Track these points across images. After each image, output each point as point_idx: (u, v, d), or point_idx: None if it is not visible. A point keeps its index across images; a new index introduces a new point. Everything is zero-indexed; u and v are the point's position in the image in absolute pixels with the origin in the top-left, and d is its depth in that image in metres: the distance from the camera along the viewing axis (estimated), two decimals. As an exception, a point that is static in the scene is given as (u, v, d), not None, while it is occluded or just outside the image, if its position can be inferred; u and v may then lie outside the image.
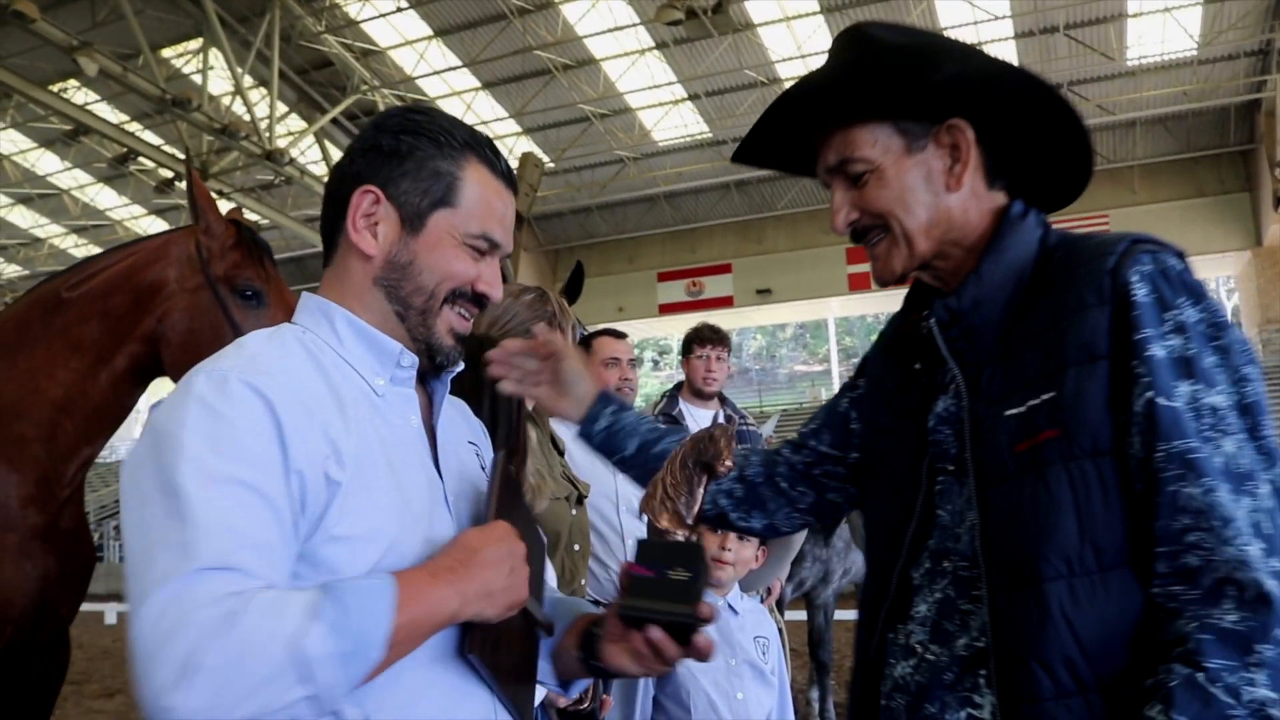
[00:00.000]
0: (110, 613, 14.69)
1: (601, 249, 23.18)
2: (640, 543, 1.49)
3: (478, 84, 17.90)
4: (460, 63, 17.23)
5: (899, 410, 1.60)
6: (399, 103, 17.74)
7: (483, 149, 1.51)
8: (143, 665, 1.10)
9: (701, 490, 1.53)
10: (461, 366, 1.58)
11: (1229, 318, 1.32)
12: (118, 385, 2.91)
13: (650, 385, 37.41)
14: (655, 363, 43.52)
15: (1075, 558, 1.28)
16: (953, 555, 1.43)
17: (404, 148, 1.46)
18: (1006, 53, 16.94)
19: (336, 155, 16.95)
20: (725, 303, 22.43)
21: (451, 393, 1.62)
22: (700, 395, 5.15)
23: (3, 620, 2.32)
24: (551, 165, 19.65)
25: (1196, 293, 1.31)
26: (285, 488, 1.25)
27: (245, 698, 1.11)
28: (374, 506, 1.33)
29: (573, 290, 4.30)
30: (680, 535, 1.49)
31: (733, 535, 2.73)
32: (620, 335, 4.17)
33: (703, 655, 1.45)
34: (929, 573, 1.45)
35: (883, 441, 1.63)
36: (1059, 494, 1.29)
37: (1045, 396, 1.32)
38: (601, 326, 4.46)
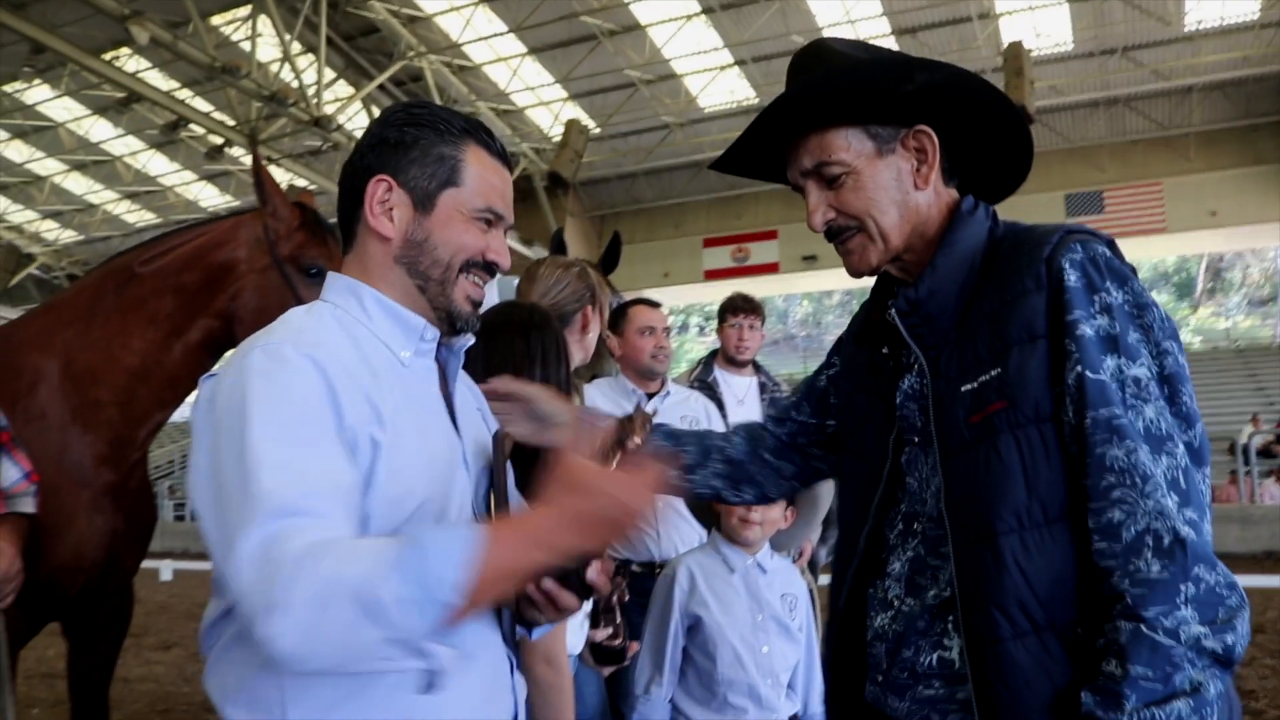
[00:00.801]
0: (166, 569, 15.04)
1: (647, 215, 23.15)
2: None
3: (524, 49, 17.88)
4: (506, 28, 17.22)
5: (868, 389, 1.77)
6: (446, 69, 17.78)
7: (479, 133, 1.66)
8: (248, 603, 1.23)
9: (614, 464, 1.74)
10: (472, 340, 1.72)
11: (1151, 299, 1.48)
12: (190, 356, 3.10)
13: (696, 350, 37.47)
14: (701, 329, 43.65)
15: (1024, 513, 1.43)
16: (921, 518, 1.61)
17: (409, 138, 1.60)
18: (1060, 18, 16.67)
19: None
20: (771, 269, 22.33)
21: (499, 360, 1.84)
22: (734, 363, 5.18)
23: (75, 569, 2.45)
24: (597, 131, 19.62)
25: (1121, 277, 1.48)
26: (343, 443, 1.39)
27: (334, 639, 1.21)
28: (406, 467, 1.47)
29: (610, 261, 4.34)
30: None
31: None
32: (655, 304, 4.18)
33: (593, 593, 1.60)
34: (901, 534, 1.65)
35: (854, 417, 1.80)
36: (1008, 458, 1.45)
37: (994, 373, 1.48)
38: (636, 295, 4.48)
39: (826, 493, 2.88)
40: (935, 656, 1.54)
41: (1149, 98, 18.88)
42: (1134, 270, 1.53)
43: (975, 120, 1.66)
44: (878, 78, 1.59)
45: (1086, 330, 1.43)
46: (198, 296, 3.12)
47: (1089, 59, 17.61)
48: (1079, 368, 1.41)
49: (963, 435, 1.50)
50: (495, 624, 1.63)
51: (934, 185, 1.65)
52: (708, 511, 3.01)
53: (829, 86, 1.59)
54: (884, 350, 1.73)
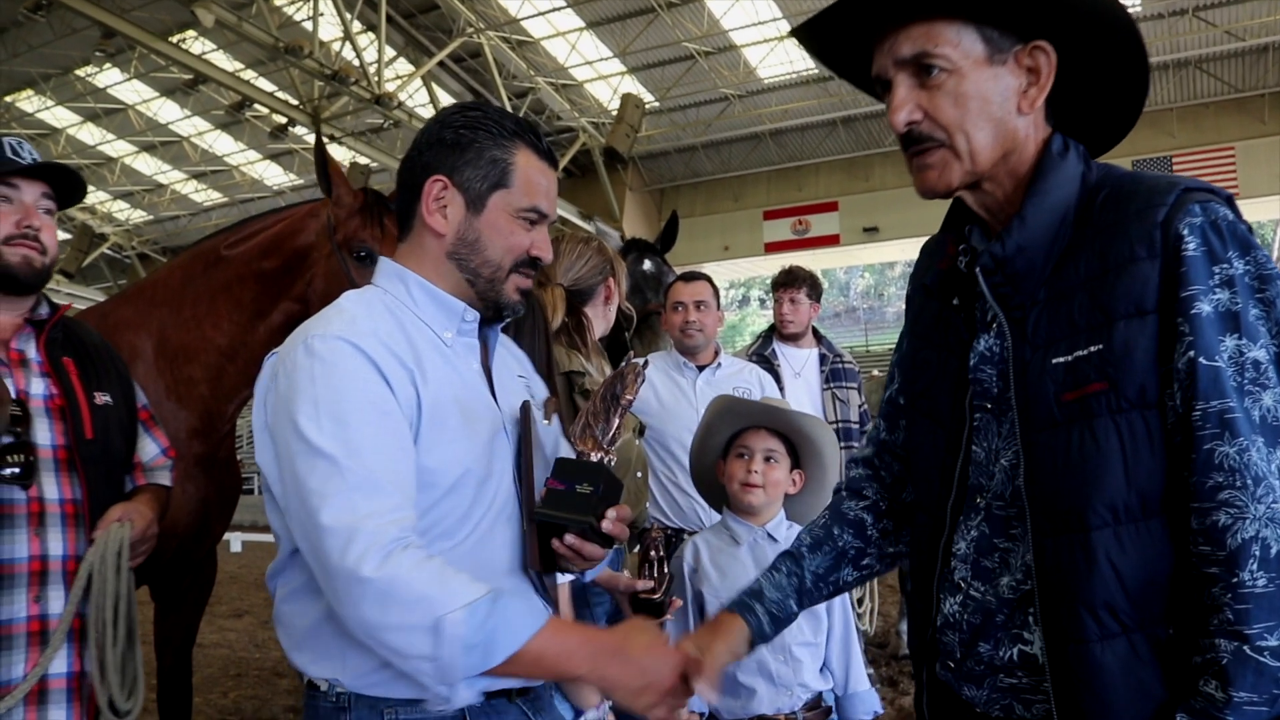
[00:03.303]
0: (235, 541, 15.42)
1: (707, 188, 23.08)
2: (557, 461, 1.72)
3: (582, 24, 17.86)
4: (564, 3, 17.21)
5: (937, 344, 1.63)
6: (505, 45, 17.83)
7: (528, 135, 1.78)
8: (331, 567, 1.47)
9: (616, 419, 1.76)
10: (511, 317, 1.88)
11: (1276, 269, 1.32)
12: (274, 337, 3.28)
13: (757, 324, 37.34)
14: (762, 301, 43.46)
15: (1121, 507, 1.31)
16: (986, 492, 1.49)
17: (464, 140, 1.72)
18: (1127, -22, 16.29)
19: (444, 98, 17.08)
20: (831, 241, 22.17)
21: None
22: (786, 337, 5.20)
23: (170, 536, 2.57)
24: (656, 104, 19.57)
25: (1245, 244, 1.32)
26: (399, 407, 1.59)
27: (393, 624, 1.45)
28: (447, 439, 1.64)
29: (667, 240, 4.38)
30: (595, 456, 1.72)
31: (759, 457, 2.74)
32: (693, 277, 4.21)
33: (614, 542, 1.74)
34: (962, 507, 1.53)
35: (924, 376, 1.65)
36: (1106, 445, 1.32)
37: (1093, 349, 1.34)
38: (692, 269, 4.50)
39: (834, 455, 2.81)
40: (1015, 650, 1.44)
41: (1221, 58, 18.36)
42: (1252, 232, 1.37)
43: (1097, 53, 1.46)
44: None
45: (1204, 307, 1.28)
46: (278, 282, 3.29)
47: (1157, 20, 17.19)
48: (1191, 352, 1.27)
49: (1052, 412, 1.37)
50: (526, 577, 1.75)
51: (1034, 115, 1.46)
52: (716, 489, 2.90)
53: None
54: (955, 301, 1.57)
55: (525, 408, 1.80)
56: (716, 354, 4.16)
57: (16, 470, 2.16)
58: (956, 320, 1.57)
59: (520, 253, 1.77)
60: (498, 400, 1.81)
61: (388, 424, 1.57)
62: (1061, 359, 1.36)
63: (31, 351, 2.33)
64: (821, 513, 1.89)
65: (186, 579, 3.53)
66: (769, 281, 5.91)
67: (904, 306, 1.85)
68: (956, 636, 1.52)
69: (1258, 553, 1.21)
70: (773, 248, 22.60)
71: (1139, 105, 1.51)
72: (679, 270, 4.55)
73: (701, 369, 4.08)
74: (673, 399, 3.99)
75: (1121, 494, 1.31)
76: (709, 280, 4.19)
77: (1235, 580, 1.22)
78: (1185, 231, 1.30)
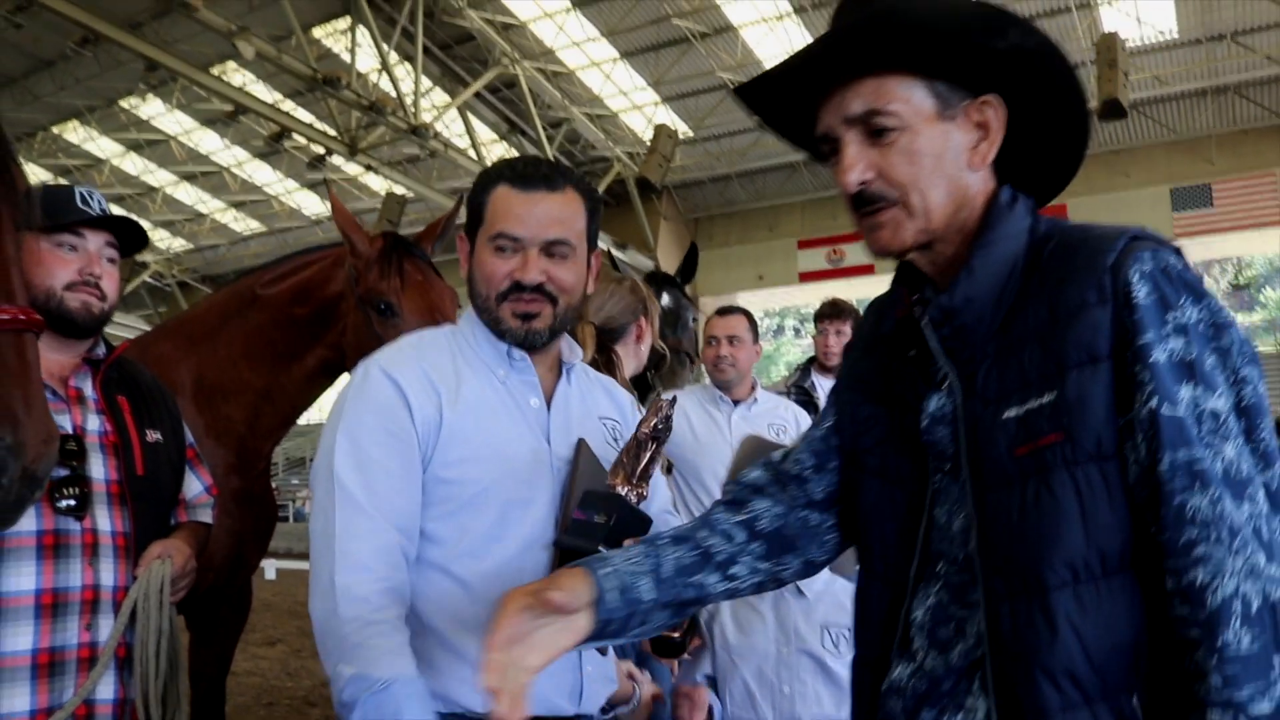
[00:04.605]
0: (270, 568, 15.49)
1: (741, 217, 23.12)
2: (585, 492, 1.80)
3: (616, 54, 18.00)
4: (599, 34, 17.35)
5: (887, 399, 1.54)
6: (540, 75, 17.96)
7: (508, 171, 1.93)
8: (322, 586, 1.74)
9: (646, 454, 1.81)
10: (580, 357, 2.06)
11: (1229, 318, 1.28)
12: (309, 381, 3.35)
13: (791, 354, 37.30)
14: (796, 330, 43.42)
15: (1081, 564, 1.24)
16: (946, 558, 1.41)
17: (474, 201, 1.91)
18: (1163, 6, 16.22)
19: (480, 128, 17.18)
20: (866, 270, 22.08)
21: None
22: (827, 369, 5.21)
23: (205, 569, 2.63)
24: (690, 134, 19.66)
25: (1197, 291, 1.28)
26: (413, 430, 1.81)
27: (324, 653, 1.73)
28: (466, 456, 1.83)
29: (687, 273, 4.42)
30: (623, 490, 1.78)
31: None
32: (728, 311, 4.24)
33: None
34: (924, 574, 1.44)
35: (871, 432, 1.56)
36: (1064, 499, 1.26)
37: (1046, 399, 1.28)
38: (728, 299, 4.53)
39: None
40: (960, 718, 1.34)
41: (1261, 84, 18.18)
42: (1203, 282, 1.32)
43: (1043, 104, 1.42)
44: (971, 24, 1.36)
45: (1159, 356, 1.23)
46: (311, 329, 3.37)
47: (1195, 46, 17.11)
48: (1153, 402, 1.21)
49: (1004, 469, 1.30)
50: None
51: (985, 170, 1.43)
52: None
53: (910, 21, 1.35)
54: (912, 353, 1.49)
55: (579, 444, 1.89)
56: (753, 389, 4.19)
57: (72, 502, 2.23)
58: (912, 374, 1.50)
59: (499, 280, 1.89)
60: (552, 434, 1.93)
61: (394, 446, 1.81)
62: (1013, 412, 1.31)
63: (88, 390, 2.40)
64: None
65: (222, 609, 3.59)
66: (803, 311, 5.91)
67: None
68: (900, 703, 1.43)
69: (1239, 609, 1.14)
70: (807, 277, 22.57)
71: (1080, 154, 1.49)
72: (713, 301, 4.59)
73: (737, 403, 4.11)
74: (708, 433, 4.02)
75: (1080, 551, 1.24)
76: (745, 314, 4.21)
77: (1220, 643, 1.14)
78: (1135, 278, 1.27)
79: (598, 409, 2.03)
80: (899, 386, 1.52)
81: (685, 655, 2.34)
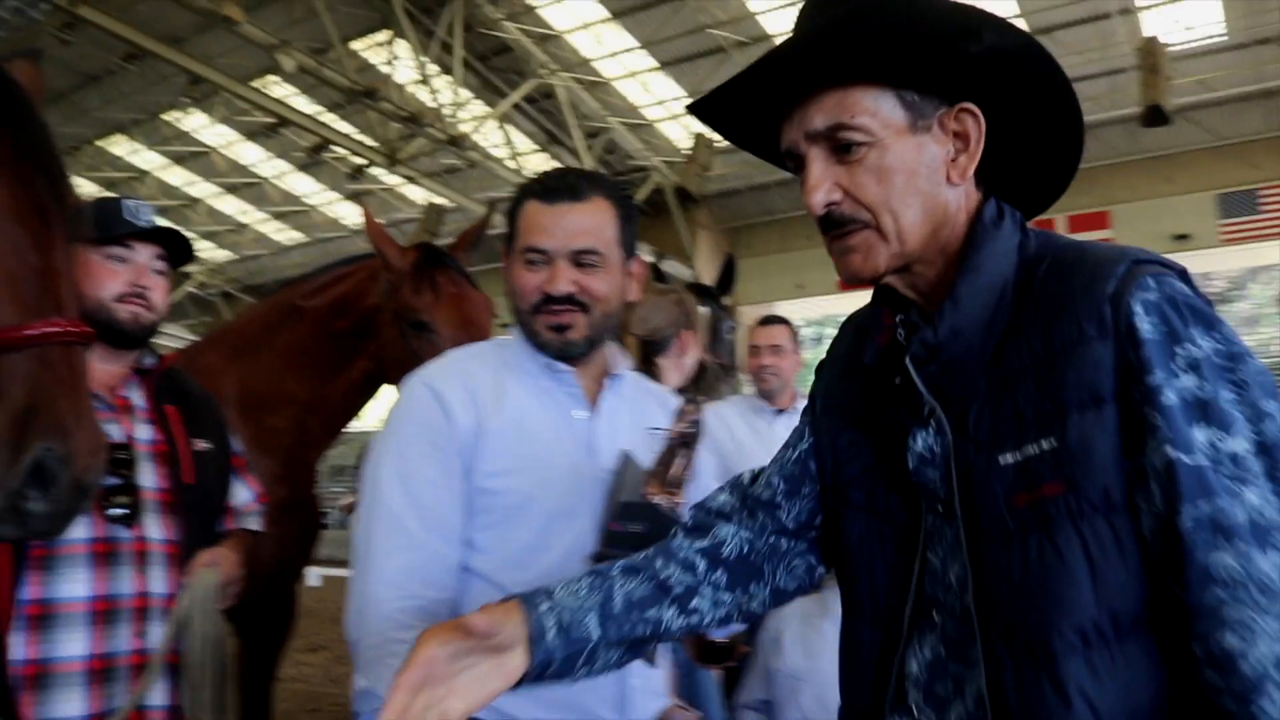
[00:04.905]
0: (314, 575, 15.61)
1: (780, 226, 23.03)
2: (621, 504, 1.82)
3: (655, 64, 18.01)
4: (637, 44, 17.38)
5: (869, 427, 1.43)
6: (578, 85, 18.01)
7: (535, 187, 1.98)
8: (358, 590, 1.83)
9: (678, 459, 1.82)
10: (622, 371, 2.08)
11: (1244, 347, 1.16)
12: (353, 392, 3.39)
13: (829, 361, 37.08)
14: (835, 338, 43.05)
15: (1091, 629, 1.12)
16: (942, 608, 1.29)
17: (509, 218, 2.02)
18: (1209, 9, 16.00)
19: (518, 139, 17.23)
20: (905, 277, 22.00)
21: None
22: None
23: (252, 576, 2.66)
24: (727, 144, 19.59)
25: (1207, 319, 1.16)
26: (454, 442, 1.84)
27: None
28: (506, 467, 1.86)
29: (725, 283, 4.44)
30: (657, 498, 1.79)
31: None
32: (771, 321, 4.25)
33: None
34: (919, 621, 1.33)
35: (854, 462, 1.44)
36: (1070, 557, 1.14)
37: (1045, 444, 1.17)
38: (768, 308, 4.53)
39: None
40: None
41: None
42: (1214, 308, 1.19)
43: (1028, 109, 1.30)
44: (941, 28, 1.23)
45: (1170, 397, 1.11)
46: (351, 342, 3.41)
47: (1242, 50, 16.90)
48: (1168, 448, 1.09)
49: (1002, 520, 1.19)
50: None
51: (965, 184, 1.31)
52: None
53: (873, 26, 1.22)
54: (897, 380, 1.36)
55: (622, 456, 1.91)
56: (795, 398, 4.19)
57: (122, 511, 2.26)
58: (896, 404, 1.37)
59: (529, 293, 1.93)
60: (596, 446, 1.96)
61: (436, 458, 1.84)
62: (1010, 458, 1.19)
63: (138, 399, 2.44)
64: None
65: (268, 617, 3.63)
66: (842, 320, 5.89)
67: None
68: None
69: (1276, 676, 1.02)
70: (847, 286, 22.37)
71: (1075, 161, 1.36)
72: (752, 311, 4.58)
73: (780, 412, 4.11)
74: (750, 442, 4.03)
75: (1091, 613, 1.12)
76: (786, 324, 4.21)
77: (1255, 709, 1.03)
78: (1139, 308, 1.15)
79: (648, 419, 2.02)
80: (883, 415, 1.40)
81: (731, 662, 2.33)
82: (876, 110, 1.25)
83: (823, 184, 1.28)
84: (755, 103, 1.35)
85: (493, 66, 18.17)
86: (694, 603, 1.49)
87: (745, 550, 1.53)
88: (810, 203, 1.28)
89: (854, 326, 1.56)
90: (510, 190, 12.64)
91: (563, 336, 1.93)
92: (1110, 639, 1.13)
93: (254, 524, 2.73)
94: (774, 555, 1.55)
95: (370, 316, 3.41)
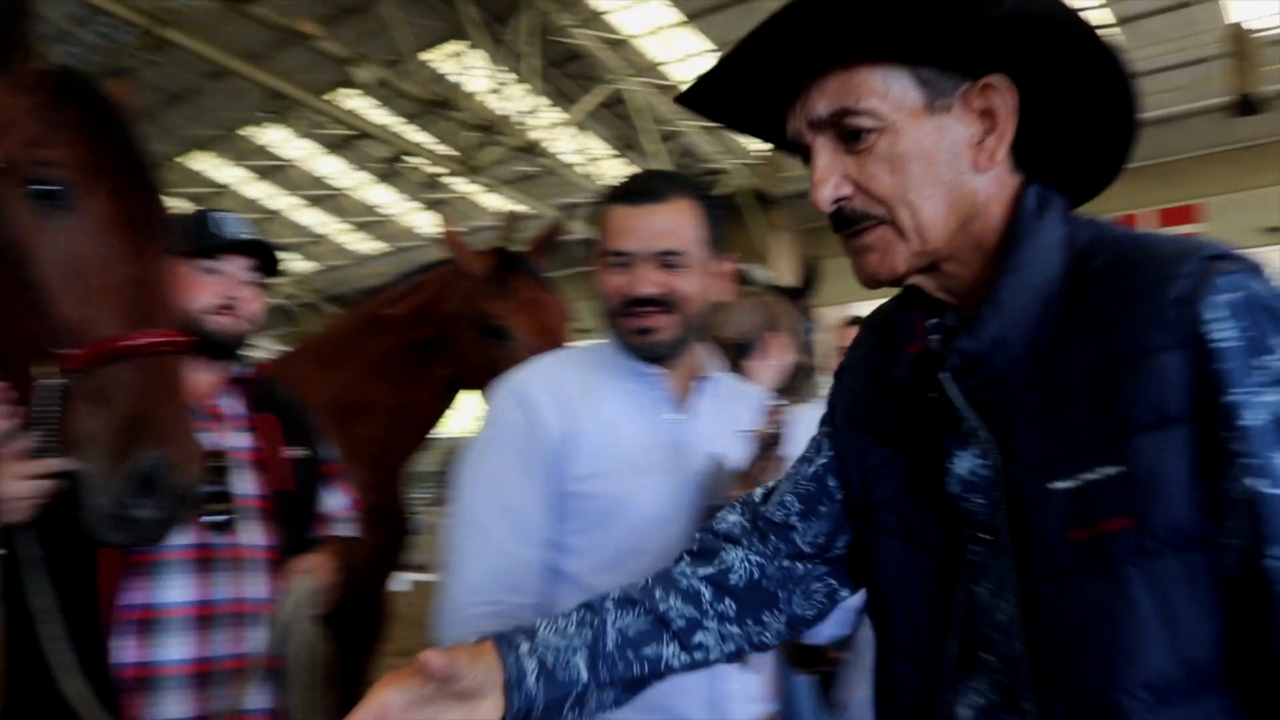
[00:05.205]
0: (403, 581, 15.80)
1: (854, 224, 22.87)
2: (707, 508, 1.84)
3: (727, 66, 17.96)
4: (711, 46, 17.35)
5: (901, 443, 1.29)
6: (650, 90, 18.03)
7: (616, 191, 2.01)
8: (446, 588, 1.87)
9: (762, 462, 1.82)
10: (713, 373, 2.10)
11: None
12: (437, 398, 3.41)
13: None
14: (912, 338, 42.69)
15: (1162, 683, 0.99)
16: (994, 647, 1.14)
17: (595, 224, 2.04)
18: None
19: (593, 144, 17.30)
20: (984, 274, 21.71)
21: None
22: None
23: (347, 582, 2.71)
24: (800, 144, 19.48)
25: None
26: (541, 447, 1.86)
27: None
28: (595, 470, 1.86)
29: (806, 285, 4.43)
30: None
31: None
32: (853, 323, 4.24)
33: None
34: (962, 660, 1.18)
35: (885, 482, 1.30)
36: (1138, 600, 0.99)
37: (1107, 471, 1.02)
38: (846, 310, 4.50)
39: None
40: None
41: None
42: None
43: (1064, 79, 1.14)
44: None
45: (1254, 417, 0.96)
46: (432, 349, 3.44)
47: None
48: (1250, 479, 0.95)
49: (1056, 554, 1.05)
50: None
51: (997, 169, 1.15)
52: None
53: None
54: (932, 395, 1.20)
55: (711, 459, 1.90)
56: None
57: (219, 518, 2.29)
58: (932, 421, 1.22)
59: (613, 295, 1.94)
60: (685, 448, 1.95)
61: (521, 464, 1.87)
62: (1064, 484, 1.05)
63: (233, 408, 2.48)
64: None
65: (360, 622, 3.68)
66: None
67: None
68: None
69: None
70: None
71: (1128, 138, 1.18)
72: (831, 313, 4.56)
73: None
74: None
75: (1162, 666, 0.98)
76: (864, 325, 4.18)
77: None
78: (1214, 314, 0.99)
79: (739, 421, 2.01)
80: (917, 433, 1.25)
81: (825, 667, 2.30)
82: (886, 91, 1.11)
83: (829, 177, 1.14)
84: (753, 89, 1.21)
85: (565, 73, 18.27)
86: (697, 638, 1.36)
87: (756, 576, 1.39)
88: (816, 199, 1.15)
89: (876, 329, 1.40)
90: (585, 196, 12.75)
91: (648, 338, 1.93)
92: (1186, 694, 0.98)
93: (348, 530, 2.76)
94: (789, 581, 1.40)
95: (448, 323, 3.45)
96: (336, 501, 2.75)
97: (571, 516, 1.86)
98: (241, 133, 20.56)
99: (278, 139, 20.96)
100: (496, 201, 19.28)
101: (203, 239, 2.41)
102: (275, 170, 22.47)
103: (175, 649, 2.22)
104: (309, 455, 2.61)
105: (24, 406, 1.80)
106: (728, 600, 1.38)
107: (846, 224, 1.16)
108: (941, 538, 1.21)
